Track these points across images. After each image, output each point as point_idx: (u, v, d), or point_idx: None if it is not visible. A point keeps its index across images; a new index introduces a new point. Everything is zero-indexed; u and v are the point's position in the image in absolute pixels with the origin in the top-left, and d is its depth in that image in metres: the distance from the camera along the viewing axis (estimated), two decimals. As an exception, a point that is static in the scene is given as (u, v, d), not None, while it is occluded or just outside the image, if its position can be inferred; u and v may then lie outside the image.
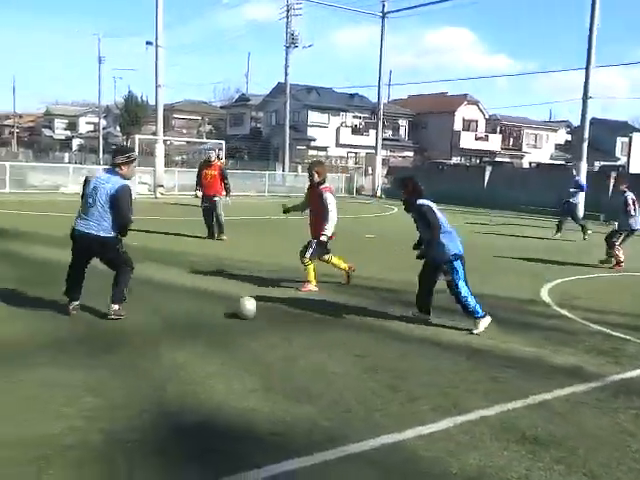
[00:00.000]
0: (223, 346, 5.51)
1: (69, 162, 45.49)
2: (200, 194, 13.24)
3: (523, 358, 5.58)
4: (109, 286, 6.12)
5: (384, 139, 40.54)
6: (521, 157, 57.43)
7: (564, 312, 7.48)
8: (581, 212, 19.58)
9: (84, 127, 77.89)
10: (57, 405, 4.04)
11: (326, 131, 53.90)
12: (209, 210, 12.99)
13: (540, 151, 59.19)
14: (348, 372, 4.98)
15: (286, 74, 40.94)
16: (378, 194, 33.56)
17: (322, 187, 7.76)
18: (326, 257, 8.09)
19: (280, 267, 9.40)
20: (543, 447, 3.75)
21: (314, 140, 53.47)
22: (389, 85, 52.92)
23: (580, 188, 17.27)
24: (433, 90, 60.63)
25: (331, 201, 7.64)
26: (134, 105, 59.50)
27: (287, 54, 40.81)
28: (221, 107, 70.16)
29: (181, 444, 3.61)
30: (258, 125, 60.49)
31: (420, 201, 6.53)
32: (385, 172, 37.66)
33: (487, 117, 58.24)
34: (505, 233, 17.35)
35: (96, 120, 69.51)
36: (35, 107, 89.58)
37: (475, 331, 6.30)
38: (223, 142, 28.47)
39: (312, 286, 7.89)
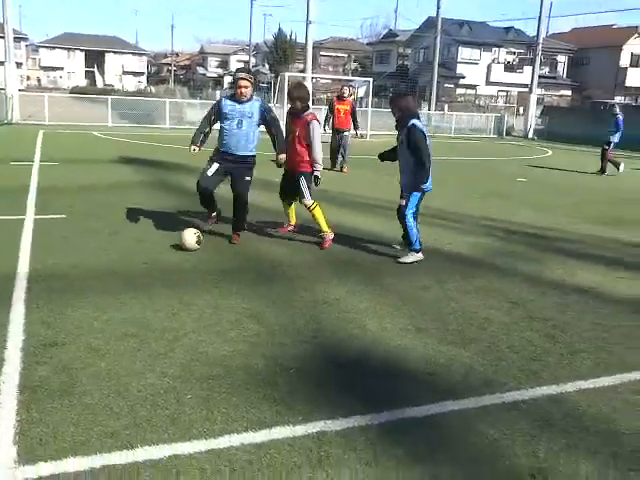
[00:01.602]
0: (375, 285, 5.54)
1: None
2: (329, 130, 13.70)
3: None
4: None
5: (539, 76, 37.87)
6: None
7: None
8: None
9: (235, 65, 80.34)
10: (223, 329, 4.31)
11: (476, 68, 51.48)
12: (337, 143, 13.56)
13: None
14: (502, 319, 4.84)
15: (438, 7, 39.17)
16: (530, 135, 31.77)
17: (307, 114, 6.71)
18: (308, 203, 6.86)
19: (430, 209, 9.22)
20: None
21: (463, 78, 51.36)
22: (549, 17, 49.05)
23: None
24: (601, 23, 55.53)
25: (318, 131, 6.73)
26: (283, 43, 60.27)
27: (440, -15, 38.87)
28: (367, 44, 69.13)
29: (338, 376, 3.72)
30: (405, 62, 59.02)
31: (413, 121, 6.03)
32: (539, 112, 35.41)
33: (661, 51, 52.44)
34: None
35: (246, 58, 71.44)
36: (190, 46, 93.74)
37: (402, 259, 6.20)
38: (370, 80, 27.98)
39: (330, 235, 6.82)
